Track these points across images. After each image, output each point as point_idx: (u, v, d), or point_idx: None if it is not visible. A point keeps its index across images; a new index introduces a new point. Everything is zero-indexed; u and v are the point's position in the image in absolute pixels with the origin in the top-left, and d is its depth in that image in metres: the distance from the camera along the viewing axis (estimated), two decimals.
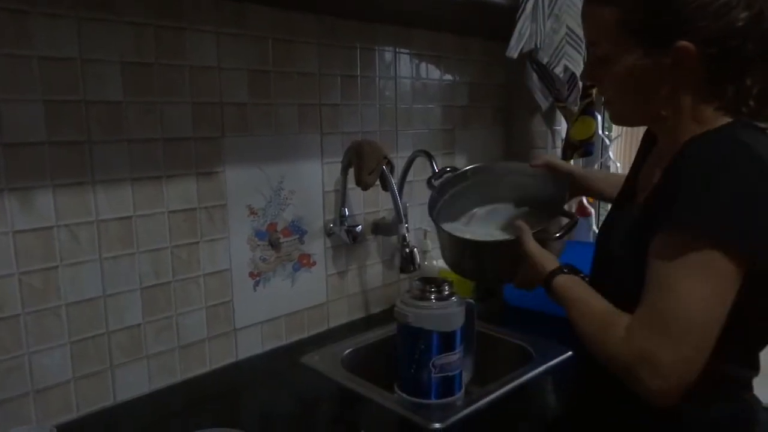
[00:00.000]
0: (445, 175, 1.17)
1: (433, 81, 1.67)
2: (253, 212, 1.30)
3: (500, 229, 1.07)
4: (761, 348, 0.79)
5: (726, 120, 0.75)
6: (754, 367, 0.80)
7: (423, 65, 1.63)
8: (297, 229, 1.39)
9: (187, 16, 1.14)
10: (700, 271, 0.68)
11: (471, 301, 1.15)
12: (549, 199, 1.05)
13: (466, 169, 1.16)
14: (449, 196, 1.14)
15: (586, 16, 0.82)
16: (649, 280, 0.72)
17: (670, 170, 0.76)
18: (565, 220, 1.01)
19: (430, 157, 1.41)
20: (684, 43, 0.72)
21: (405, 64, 1.58)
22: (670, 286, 0.70)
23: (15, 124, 0.96)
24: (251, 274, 1.31)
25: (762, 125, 0.76)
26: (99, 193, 1.06)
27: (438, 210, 1.12)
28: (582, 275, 0.88)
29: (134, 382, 1.14)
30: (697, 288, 0.68)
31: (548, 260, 0.90)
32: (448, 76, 1.71)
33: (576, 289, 0.84)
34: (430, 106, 1.67)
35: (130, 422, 1.08)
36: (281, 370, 1.28)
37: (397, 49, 1.56)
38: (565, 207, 1.04)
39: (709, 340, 0.69)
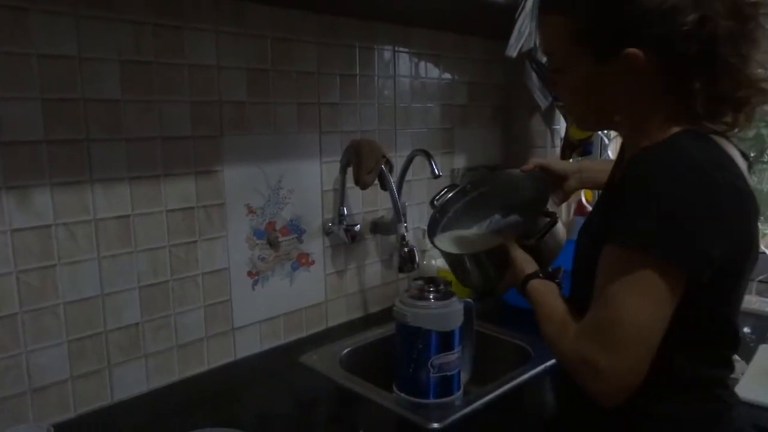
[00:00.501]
0: (444, 196, 1.17)
1: (432, 80, 1.67)
2: (251, 211, 1.29)
3: (499, 237, 1.07)
4: (731, 349, 0.81)
5: (678, 128, 0.75)
6: (727, 367, 0.81)
7: (422, 64, 1.63)
8: (295, 229, 1.39)
9: (186, 15, 1.13)
10: (638, 286, 0.70)
11: (470, 300, 1.15)
12: (539, 201, 1.06)
13: (465, 184, 1.18)
14: (453, 213, 1.16)
15: (540, 26, 0.83)
16: (595, 289, 0.75)
17: (618, 182, 0.77)
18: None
19: (429, 157, 1.41)
20: (632, 50, 0.72)
21: (404, 63, 1.58)
22: (610, 299, 0.72)
23: (13, 122, 0.95)
24: (250, 273, 1.31)
25: (716, 128, 0.76)
26: (97, 191, 1.06)
27: (440, 230, 1.13)
28: (558, 281, 0.90)
29: (132, 381, 1.14)
30: (635, 303, 0.70)
31: (527, 265, 0.93)
32: (447, 75, 1.71)
33: (545, 293, 0.87)
34: (429, 105, 1.67)
35: (127, 421, 1.08)
36: (279, 370, 1.28)
37: (396, 48, 1.55)
38: (561, 207, 1.04)
39: (646, 350, 0.71)
